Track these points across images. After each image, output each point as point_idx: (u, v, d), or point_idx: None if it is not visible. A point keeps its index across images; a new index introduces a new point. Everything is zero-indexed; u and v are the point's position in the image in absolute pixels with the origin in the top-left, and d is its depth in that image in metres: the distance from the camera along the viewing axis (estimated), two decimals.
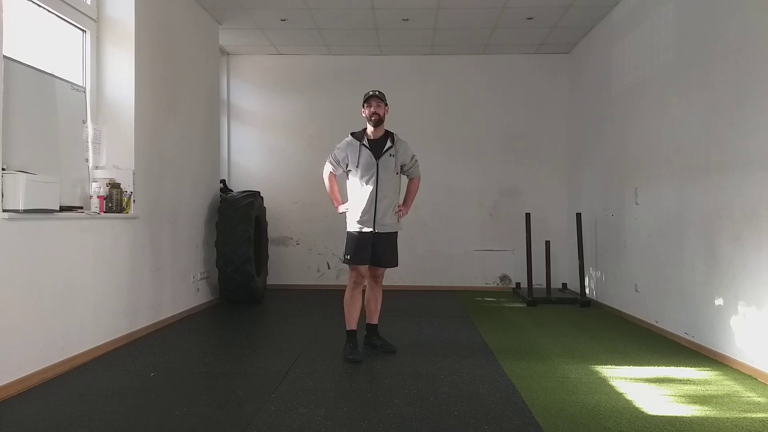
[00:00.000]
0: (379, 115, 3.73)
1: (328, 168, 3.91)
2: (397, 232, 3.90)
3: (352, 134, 3.84)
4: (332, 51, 6.95)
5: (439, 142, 7.04)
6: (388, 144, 3.79)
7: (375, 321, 3.97)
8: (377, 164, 3.73)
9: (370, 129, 3.78)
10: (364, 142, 3.77)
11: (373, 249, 3.75)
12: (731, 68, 3.60)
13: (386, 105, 3.79)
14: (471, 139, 7.07)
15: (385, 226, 3.78)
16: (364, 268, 3.80)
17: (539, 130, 7.05)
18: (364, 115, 3.77)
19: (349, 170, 3.81)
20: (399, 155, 3.82)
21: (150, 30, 4.53)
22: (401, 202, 3.96)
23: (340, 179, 3.95)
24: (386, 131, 3.83)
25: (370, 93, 3.76)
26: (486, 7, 5.53)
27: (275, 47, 6.84)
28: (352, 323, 3.83)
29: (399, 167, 3.83)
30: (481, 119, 7.07)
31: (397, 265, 3.94)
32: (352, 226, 3.78)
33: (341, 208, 3.87)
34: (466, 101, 7.07)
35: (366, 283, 3.93)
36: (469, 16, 5.76)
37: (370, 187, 3.71)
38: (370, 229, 3.73)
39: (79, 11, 4.03)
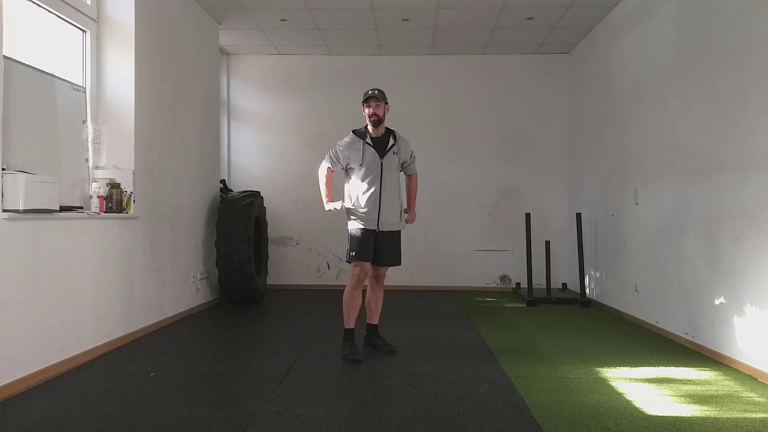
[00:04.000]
0: (378, 115, 3.71)
1: (326, 163, 3.85)
2: (400, 230, 3.89)
3: (354, 132, 3.81)
4: (332, 51, 6.95)
5: (439, 142, 7.04)
6: (391, 142, 3.78)
7: (375, 321, 3.96)
8: (382, 163, 3.71)
9: (370, 127, 3.77)
10: (368, 141, 3.74)
11: (375, 248, 3.73)
12: (731, 68, 3.60)
13: (386, 104, 3.78)
14: (471, 139, 7.07)
15: (388, 224, 3.76)
16: (368, 265, 3.76)
17: (539, 130, 7.05)
18: (364, 114, 3.76)
19: (351, 168, 3.77)
20: (401, 153, 3.82)
21: (150, 30, 4.53)
22: (405, 205, 3.97)
23: (336, 179, 3.91)
24: (387, 129, 3.82)
25: (369, 93, 3.73)
26: (486, 7, 5.53)
27: (275, 47, 6.84)
28: (350, 322, 3.80)
29: (400, 165, 3.83)
30: (481, 119, 7.07)
31: (400, 264, 3.92)
32: (355, 224, 3.75)
33: (329, 205, 3.79)
34: (466, 101, 7.08)
35: (367, 283, 3.91)
36: (469, 16, 5.76)
37: (374, 186, 3.70)
38: (374, 228, 3.72)
39: (79, 11, 4.03)
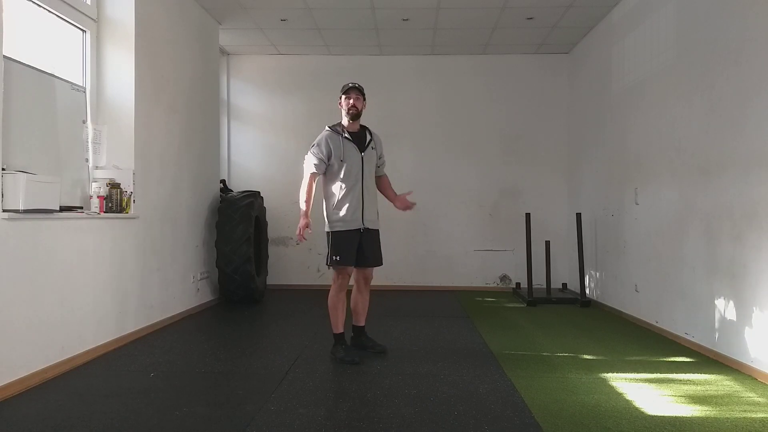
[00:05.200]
0: (357, 108, 3.62)
1: (310, 168, 3.62)
2: (378, 230, 3.81)
3: (330, 128, 3.69)
4: (332, 51, 6.95)
5: (439, 142, 7.04)
6: (368, 137, 3.72)
7: (363, 323, 3.91)
8: (362, 158, 3.64)
9: (346, 122, 3.66)
10: (346, 135, 3.64)
11: (360, 249, 3.65)
12: (731, 68, 3.60)
13: (364, 99, 3.69)
14: (471, 139, 7.07)
15: (371, 222, 3.70)
16: (351, 269, 3.69)
17: (539, 130, 7.05)
18: (340, 107, 3.67)
19: (330, 165, 3.61)
20: (377, 148, 3.78)
21: (150, 30, 4.53)
22: (391, 200, 3.90)
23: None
24: (361, 125, 3.74)
25: (350, 85, 3.64)
26: (486, 7, 5.53)
27: (275, 47, 6.84)
28: (340, 326, 3.74)
29: (377, 160, 3.80)
30: (481, 119, 7.07)
31: (382, 264, 3.84)
32: (338, 225, 3.61)
33: (305, 221, 3.57)
34: (466, 101, 7.07)
35: (353, 285, 3.84)
36: (469, 16, 5.76)
37: (356, 183, 3.60)
38: (359, 227, 3.63)
39: (79, 11, 4.03)
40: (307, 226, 3.57)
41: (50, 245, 3.30)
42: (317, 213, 3.75)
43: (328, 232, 3.68)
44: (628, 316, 5.14)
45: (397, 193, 3.96)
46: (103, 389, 3.05)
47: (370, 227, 3.68)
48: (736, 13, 3.57)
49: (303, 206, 3.61)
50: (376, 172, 3.86)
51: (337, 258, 3.61)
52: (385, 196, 3.97)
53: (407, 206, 3.87)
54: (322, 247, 7.02)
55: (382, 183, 3.95)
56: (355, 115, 3.63)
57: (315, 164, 3.62)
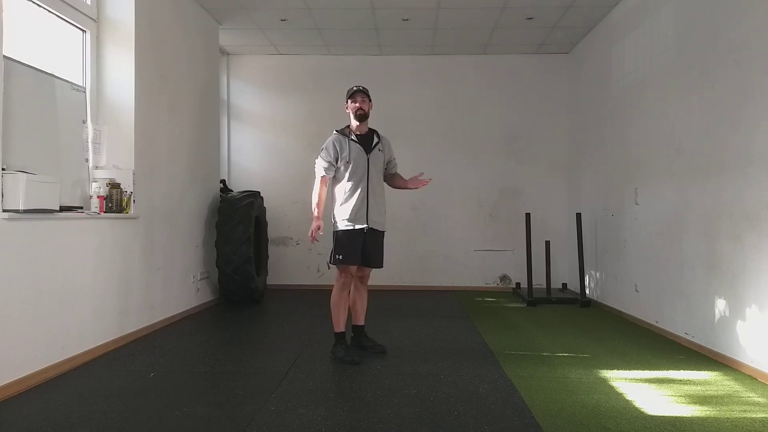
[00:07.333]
0: (364, 110, 3.69)
1: (320, 172, 3.72)
2: (384, 232, 3.84)
3: (338, 131, 3.78)
4: (332, 51, 6.95)
5: (439, 142, 7.04)
6: (376, 140, 3.77)
7: (362, 322, 3.92)
8: (368, 159, 3.69)
9: (354, 125, 3.73)
10: (353, 138, 3.72)
11: (363, 248, 3.68)
12: (731, 68, 3.60)
13: (370, 101, 3.76)
14: (471, 139, 7.07)
15: (376, 222, 3.73)
16: (354, 269, 3.73)
17: (539, 130, 7.06)
18: (348, 110, 3.74)
19: (338, 167, 3.70)
20: (386, 151, 3.82)
21: (150, 30, 4.53)
22: (404, 186, 3.87)
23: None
24: (370, 128, 3.80)
25: (355, 88, 3.71)
26: (486, 7, 5.53)
27: (275, 47, 6.84)
28: (341, 325, 3.76)
29: (386, 164, 3.83)
30: (482, 119, 7.07)
31: (382, 266, 3.85)
32: (343, 224, 3.69)
33: (315, 224, 3.66)
34: (466, 101, 7.08)
35: (351, 284, 3.85)
36: (469, 16, 5.76)
37: (361, 183, 3.66)
38: (363, 226, 3.66)
39: (79, 11, 4.03)
40: (319, 228, 3.68)
41: (50, 245, 3.30)
42: (328, 214, 3.80)
43: (334, 232, 3.73)
44: (628, 316, 5.14)
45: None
46: (103, 389, 3.05)
47: (375, 228, 3.72)
48: (736, 12, 3.57)
49: (314, 209, 3.71)
50: (390, 171, 3.90)
51: (340, 257, 3.66)
52: (399, 187, 3.95)
53: (420, 183, 3.80)
54: (323, 247, 7.01)
55: (394, 178, 3.95)
56: (362, 116, 3.70)
57: (324, 168, 3.71)
